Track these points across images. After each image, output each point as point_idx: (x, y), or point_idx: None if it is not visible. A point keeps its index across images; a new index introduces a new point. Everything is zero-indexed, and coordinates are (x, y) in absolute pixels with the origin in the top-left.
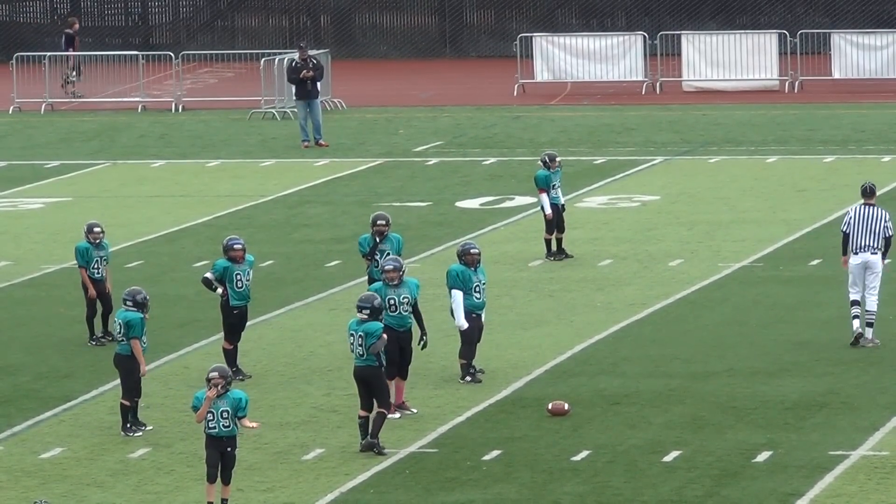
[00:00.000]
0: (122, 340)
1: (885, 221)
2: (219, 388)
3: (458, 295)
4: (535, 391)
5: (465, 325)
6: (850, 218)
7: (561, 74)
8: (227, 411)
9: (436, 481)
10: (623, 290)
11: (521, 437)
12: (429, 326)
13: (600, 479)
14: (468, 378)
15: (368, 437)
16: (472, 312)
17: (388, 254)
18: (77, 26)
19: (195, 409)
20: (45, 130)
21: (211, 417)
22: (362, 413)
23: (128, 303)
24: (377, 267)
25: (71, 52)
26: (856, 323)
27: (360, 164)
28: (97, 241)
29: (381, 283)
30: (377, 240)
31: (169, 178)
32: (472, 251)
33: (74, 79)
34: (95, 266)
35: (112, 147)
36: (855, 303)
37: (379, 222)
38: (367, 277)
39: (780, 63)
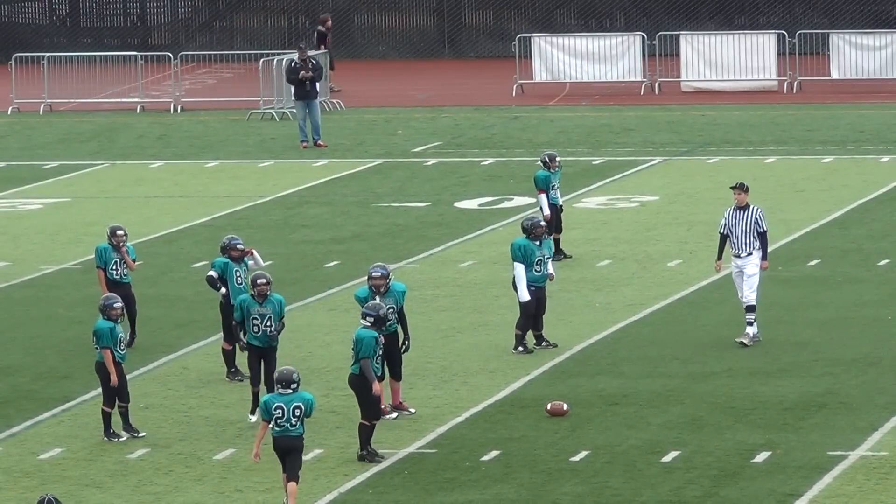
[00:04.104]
0: (97, 349)
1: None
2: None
3: (520, 268)
4: (533, 391)
5: (528, 297)
6: (725, 220)
7: (559, 75)
8: (300, 407)
9: (434, 482)
10: (621, 290)
11: (520, 437)
12: (427, 326)
13: (599, 480)
14: (520, 349)
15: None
16: (532, 285)
17: (270, 318)
18: (330, 24)
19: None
20: (44, 131)
21: (280, 415)
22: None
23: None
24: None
25: (322, 51)
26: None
27: (359, 164)
28: (120, 243)
29: (367, 289)
30: (259, 302)
31: (168, 178)
32: (541, 224)
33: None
34: (114, 268)
35: (111, 148)
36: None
37: (259, 281)
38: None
39: (778, 63)
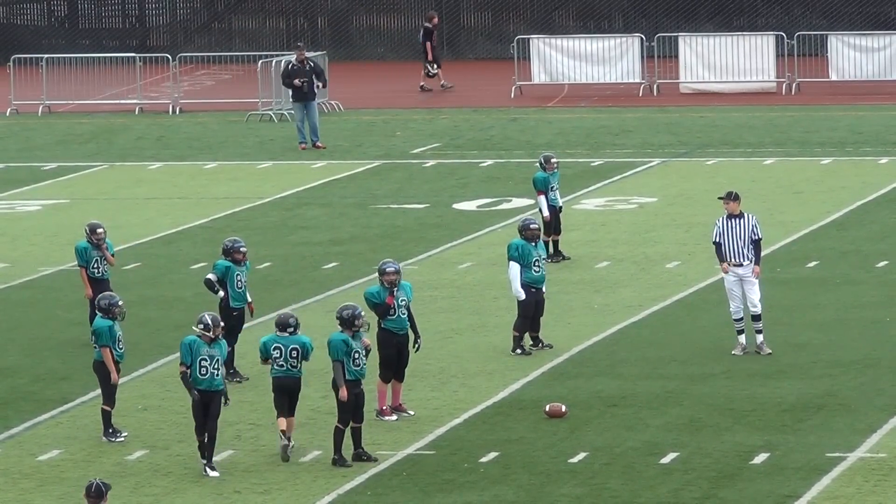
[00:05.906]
0: (95, 347)
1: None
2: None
3: (514, 267)
4: (532, 393)
5: (522, 294)
6: (718, 229)
7: (558, 76)
8: (297, 349)
9: (433, 483)
10: (620, 291)
11: (519, 438)
12: (425, 328)
13: (598, 481)
14: (518, 351)
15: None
16: (532, 286)
17: (218, 360)
18: (436, 20)
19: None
20: (43, 132)
21: (278, 355)
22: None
23: (98, 309)
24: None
25: (427, 47)
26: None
27: (358, 165)
28: (99, 241)
29: (377, 286)
30: (209, 344)
31: (166, 180)
32: (531, 226)
33: (434, 72)
34: (95, 265)
35: (109, 149)
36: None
37: (221, 325)
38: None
39: (777, 65)
